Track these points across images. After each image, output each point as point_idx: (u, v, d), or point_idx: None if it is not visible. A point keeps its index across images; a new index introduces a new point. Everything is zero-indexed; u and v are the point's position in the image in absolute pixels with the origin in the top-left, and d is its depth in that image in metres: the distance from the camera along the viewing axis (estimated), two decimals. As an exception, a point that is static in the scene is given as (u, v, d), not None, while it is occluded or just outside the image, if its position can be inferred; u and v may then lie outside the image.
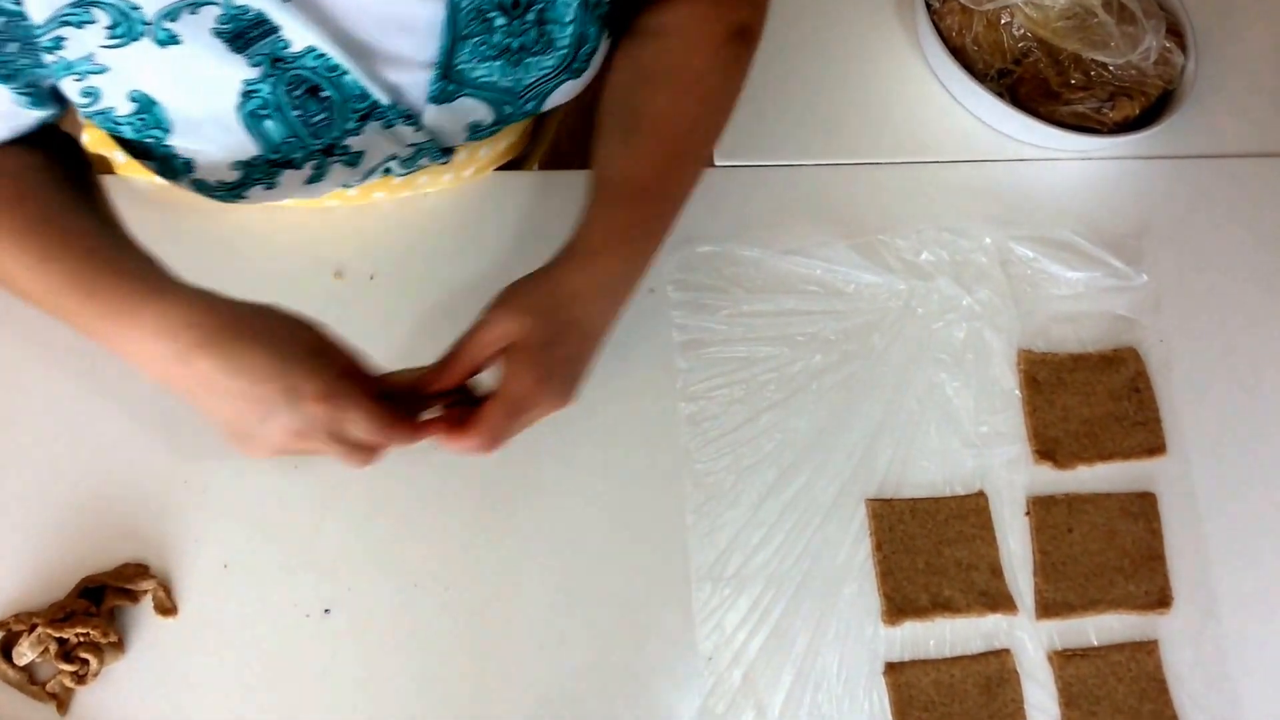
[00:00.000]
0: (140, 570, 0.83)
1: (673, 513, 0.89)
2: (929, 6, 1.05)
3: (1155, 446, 0.95)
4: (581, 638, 0.85)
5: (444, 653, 0.83)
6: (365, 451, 0.71)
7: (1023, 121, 1.00)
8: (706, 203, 0.97)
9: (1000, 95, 1.01)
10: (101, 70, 0.66)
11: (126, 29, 0.64)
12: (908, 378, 0.95)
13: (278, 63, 0.69)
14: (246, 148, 0.73)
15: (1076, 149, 1.04)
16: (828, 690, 0.85)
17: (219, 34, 0.66)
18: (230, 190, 0.76)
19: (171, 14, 0.65)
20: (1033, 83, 1.01)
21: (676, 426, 0.91)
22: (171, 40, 0.65)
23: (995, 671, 0.87)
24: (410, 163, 0.82)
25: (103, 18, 0.63)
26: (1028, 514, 0.92)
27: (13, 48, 0.65)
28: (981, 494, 0.92)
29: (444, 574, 0.85)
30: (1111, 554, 0.91)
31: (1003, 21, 1.00)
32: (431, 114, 0.77)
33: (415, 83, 0.75)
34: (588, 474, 0.90)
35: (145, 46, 0.65)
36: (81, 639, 0.79)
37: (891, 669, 0.86)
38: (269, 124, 0.72)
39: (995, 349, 0.96)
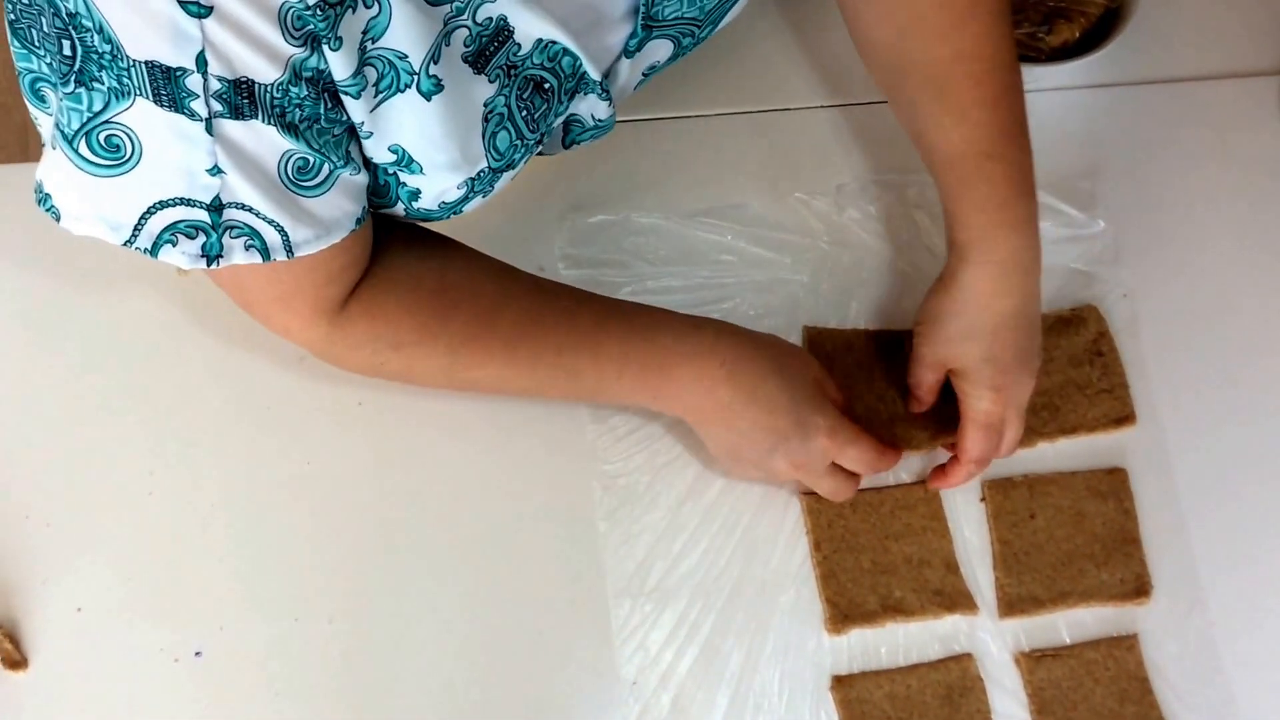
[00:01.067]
0: None
1: (582, 521, 0.86)
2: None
3: (1123, 416, 0.90)
4: (489, 669, 0.82)
5: (332, 692, 0.80)
6: (854, 481, 0.82)
7: None
8: (591, 163, 0.93)
9: None
10: (369, 135, 0.67)
11: (393, 79, 0.65)
12: (840, 353, 0.91)
13: (511, 70, 0.70)
14: (478, 164, 0.74)
15: None
16: (769, 711, 0.82)
17: (465, 58, 0.68)
18: (449, 207, 0.76)
19: (435, 55, 0.66)
20: None
21: (580, 425, 0.88)
22: (436, 89, 0.67)
23: (957, 679, 0.83)
24: (582, 135, 0.83)
25: (371, 74, 0.64)
26: (983, 500, 0.87)
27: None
28: None
29: (327, 605, 0.82)
30: (1080, 540, 0.86)
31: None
32: (624, 69, 0.78)
33: (616, 43, 0.76)
34: (483, 484, 0.87)
35: (411, 98, 0.66)
36: (-87, 706, 0.76)
37: (839, 683, 0.82)
38: (501, 135, 0.73)
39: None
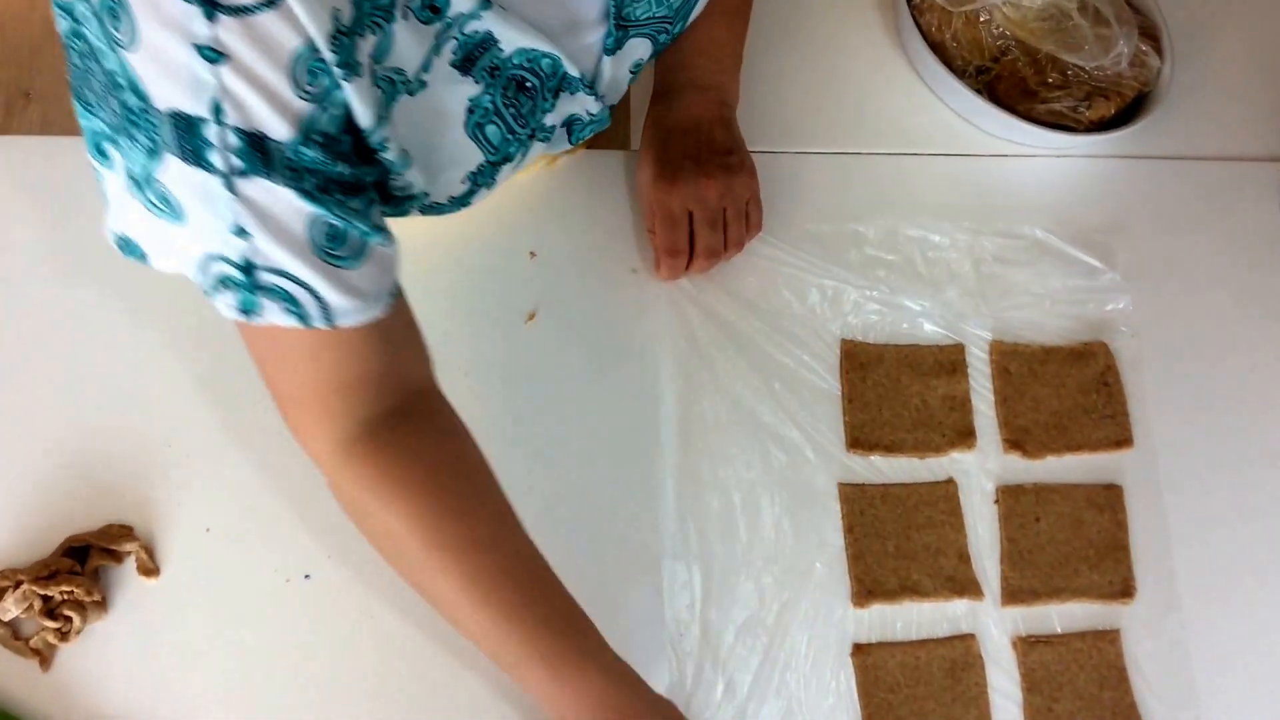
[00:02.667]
0: (124, 531, 0.85)
1: (648, 493, 0.90)
2: (909, 1, 1.06)
3: (1122, 440, 0.95)
4: None
5: (421, 620, 0.83)
6: None
7: (1000, 118, 1.01)
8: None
9: (979, 92, 1.02)
10: (382, 145, 0.67)
11: (390, 92, 0.66)
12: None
13: (495, 71, 0.72)
14: (474, 158, 0.76)
15: (1052, 146, 1.04)
16: (796, 669, 0.86)
17: (452, 64, 0.69)
18: (459, 201, 0.79)
19: (426, 65, 0.68)
20: (1010, 80, 1.02)
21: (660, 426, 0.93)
22: (421, 86, 0.68)
23: (960, 655, 0.88)
24: (583, 131, 0.86)
25: (376, 92, 0.64)
26: (996, 502, 0.93)
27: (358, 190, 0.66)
28: (951, 481, 0.93)
29: None
30: (1077, 543, 0.92)
31: (981, 19, 1.01)
32: (607, 67, 0.80)
33: (594, 43, 0.78)
34: (570, 460, 0.91)
35: (403, 101, 0.68)
36: (66, 597, 0.81)
37: (859, 650, 0.87)
38: (490, 129, 0.75)
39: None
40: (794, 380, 0.95)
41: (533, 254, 0.96)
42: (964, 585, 0.90)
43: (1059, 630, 0.90)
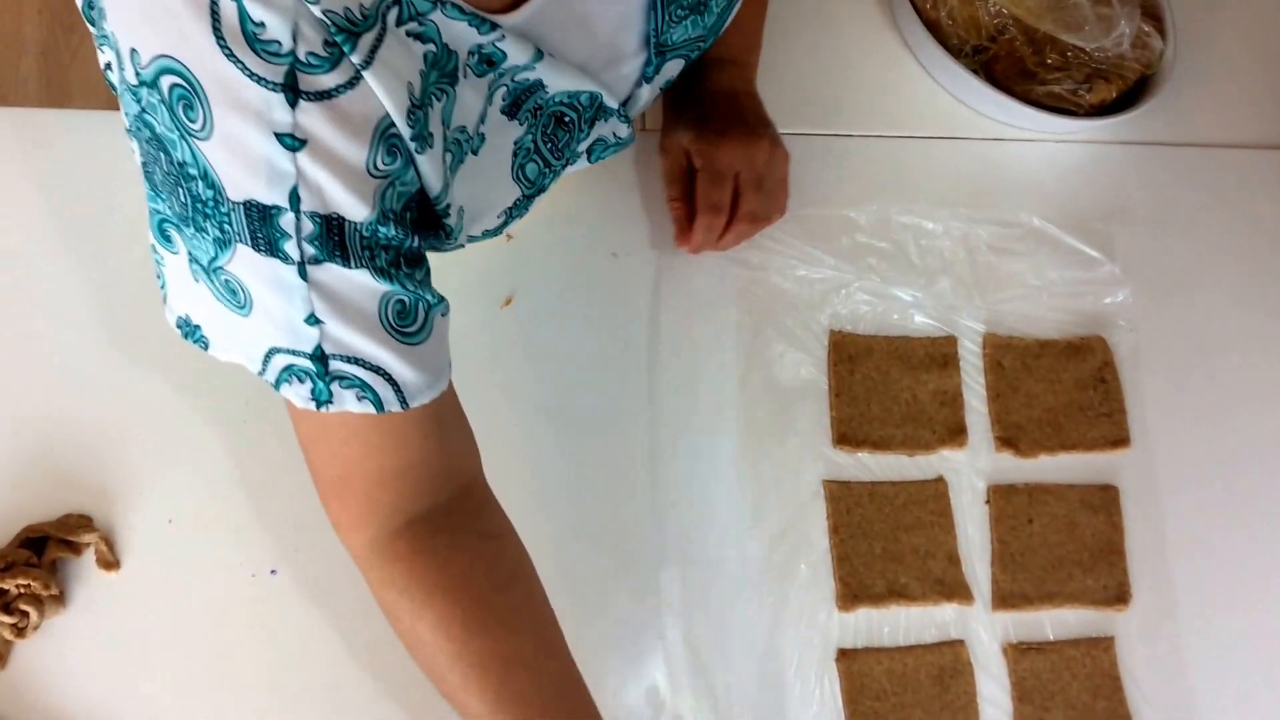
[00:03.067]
0: (83, 522, 0.83)
1: (627, 490, 0.89)
2: (903, -23, 1.04)
3: (1119, 439, 0.94)
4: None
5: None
6: None
7: (997, 100, 0.99)
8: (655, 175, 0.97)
9: (975, 72, 1.00)
10: (444, 209, 0.67)
11: (458, 155, 0.66)
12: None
13: (537, 111, 0.71)
14: (513, 196, 0.76)
15: (1051, 130, 1.03)
16: (779, 675, 0.85)
17: (502, 110, 0.69)
18: (491, 233, 0.78)
19: (482, 117, 0.67)
20: (1008, 61, 1.00)
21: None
22: (481, 141, 0.68)
23: (949, 662, 0.87)
24: (605, 152, 0.84)
25: (447, 158, 0.64)
26: (987, 502, 0.91)
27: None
28: (941, 480, 0.91)
29: None
30: (1071, 546, 0.90)
31: (978, -3, 0.99)
32: (644, 92, 0.79)
33: (631, 72, 0.77)
34: (547, 450, 0.89)
35: (468, 161, 0.68)
36: (22, 590, 0.79)
37: (844, 656, 0.86)
38: (530, 167, 0.75)
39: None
40: (779, 372, 0.93)
41: (509, 237, 0.94)
42: (953, 589, 0.89)
43: (1051, 637, 0.89)
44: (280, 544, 0.84)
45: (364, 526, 0.70)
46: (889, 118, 1.04)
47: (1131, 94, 1.01)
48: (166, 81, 0.55)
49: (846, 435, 0.91)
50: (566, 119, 0.74)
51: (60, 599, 0.81)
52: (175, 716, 0.80)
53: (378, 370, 0.63)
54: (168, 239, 0.63)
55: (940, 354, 0.94)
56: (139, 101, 0.58)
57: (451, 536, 0.71)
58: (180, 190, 0.59)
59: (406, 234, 0.62)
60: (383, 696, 0.82)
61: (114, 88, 0.61)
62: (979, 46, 1.01)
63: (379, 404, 0.63)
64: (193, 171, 0.57)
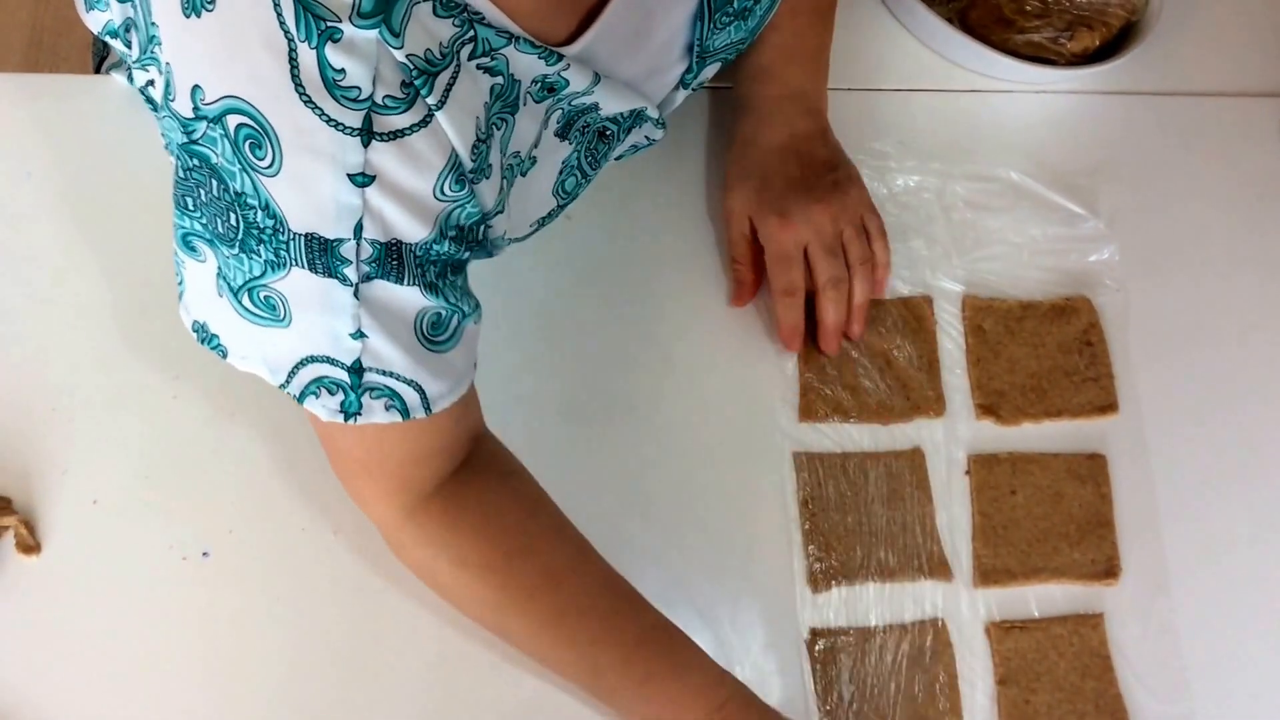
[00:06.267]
0: (2, 504, 0.80)
1: (588, 476, 0.86)
2: (876, -75, 1.01)
3: (1107, 405, 0.91)
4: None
5: (330, 603, 0.81)
6: None
7: (973, 49, 0.96)
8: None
9: (949, 21, 0.97)
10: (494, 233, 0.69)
11: (510, 179, 0.68)
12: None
13: (585, 129, 0.73)
14: (549, 207, 0.77)
15: (1030, 81, 1.00)
16: (747, 658, 0.82)
17: (555, 133, 0.71)
18: (519, 240, 0.78)
19: (537, 141, 0.69)
20: (985, 8, 0.97)
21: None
22: (532, 164, 0.70)
23: (928, 642, 0.84)
24: (634, 153, 0.85)
25: (503, 184, 0.66)
26: (968, 473, 0.88)
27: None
28: (918, 450, 0.88)
29: (333, 517, 0.82)
30: (1056, 519, 0.88)
31: (953, -58, 0.97)
32: (679, 96, 0.80)
33: (673, 78, 0.78)
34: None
35: (517, 183, 0.70)
36: (-65, 576, 0.77)
37: (816, 636, 0.83)
38: (569, 181, 0.77)
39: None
40: (743, 336, 0.90)
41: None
42: (932, 565, 0.85)
43: (1036, 614, 0.86)
44: (212, 525, 0.82)
45: (394, 499, 0.73)
46: (861, 71, 1.00)
47: (1116, 42, 0.99)
48: (233, 121, 0.55)
49: (813, 405, 0.88)
50: (608, 132, 0.76)
51: (-24, 585, 0.78)
52: (100, 706, 0.77)
53: (409, 382, 0.65)
54: (192, 249, 0.64)
55: (914, 316, 0.91)
56: (190, 132, 0.58)
57: (479, 485, 0.75)
58: (232, 215, 0.59)
59: (458, 249, 0.63)
60: (321, 682, 0.79)
61: (151, 103, 0.64)
62: (954, -6, 0.99)
63: (405, 413, 0.66)
64: (252, 202, 0.58)
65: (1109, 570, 0.86)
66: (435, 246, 0.61)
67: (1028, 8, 0.96)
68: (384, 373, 0.64)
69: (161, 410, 0.84)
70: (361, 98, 0.54)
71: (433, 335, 0.65)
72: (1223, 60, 1.05)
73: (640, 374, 0.89)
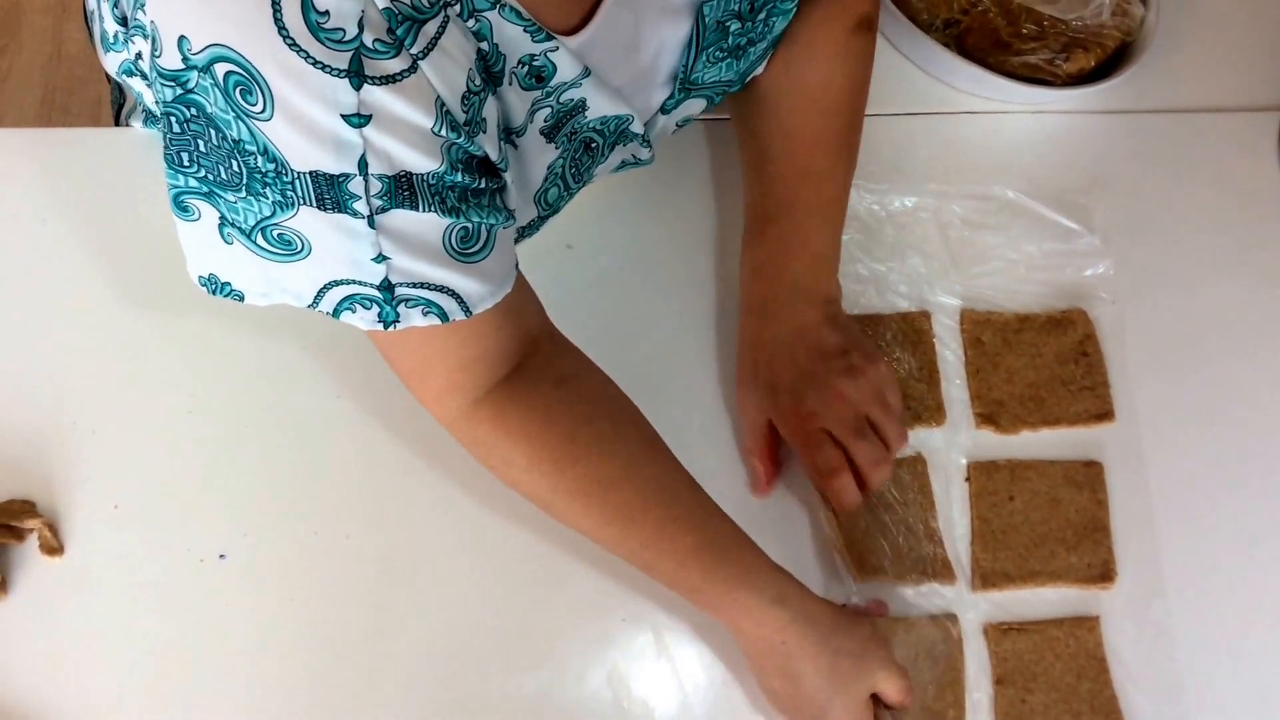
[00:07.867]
0: (26, 507, 0.82)
1: None
2: (872, -49, 1.02)
3: (1103, 413, 0.92)
4: (489, 594, 0.83)
5: (346, 603, 0.82)
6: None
7: (970, 72, 0.97)
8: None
9: (946, 45, 0.99)
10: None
11: (503, 160, 0.68)
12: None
13: (573, 135, 0.74)
14: (529, 216, 0.78)
15: (1026, 101, 1.01)
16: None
17: (541, 131, 0.71)
18: None
19: (521, 130, 0.70)
20: (981, 33, 0.98)
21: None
22: (513, 148, 0.71)
23: (939, 638, 0.85)
24: (621, 169, 0.86)
25: (495, 137, 0.66)
26: (968, 480, 0.90)
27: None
28: (919, 457, 0.89)
29: (346, 522, 0.84)
30: (1054, 524, 0.88)
31: (950, -31, 0.98)
32: (659, 120, 0.81)
33: (657, 101, 0.79)
34: None
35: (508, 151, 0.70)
36: (-38, 577, 0.78)
37: None
38: (551, 192, 0.77)
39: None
40: None
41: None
42: (936, 568, 0.86)
43: (1034, 617, 0.86)
44: (229, 528, 0.83)
45: (447, 400, 0.74)
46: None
47: (1111, 62, 1.00)
48: (221, 69, 0.56)
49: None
50: (593, 144, 0.76)
51: (2, 586, 0.79)
52: (120, 706, 0.78)
53: (442, 289, 0.65)
54: (185, 209, 0.65)
55: (914, 330, 0.93)
56: (184, 83, 0.58)
57: (528, 392, 0.75)
58: (234, 162, 0.60)
59: (473, 179, 0.64)
60: (334, 681, 0.80)
61: (141, 75, 0.65)
62: (950, 20, 1.00)
63: (444, 316, 0.66)
64: (251, 148, 0.58)
65: (1105, 574, 0.87)
66: (448, 177, 0.62)
67: (1024, 30, 0.97)
68: (415, 285, 0.64)
69: (179, 422, 0.85)
70: (347, 39, 0.55)
71: (464, 248, 0.65)
72: (1216, 78, 1.06)
73: (640, 395, 0.86)
